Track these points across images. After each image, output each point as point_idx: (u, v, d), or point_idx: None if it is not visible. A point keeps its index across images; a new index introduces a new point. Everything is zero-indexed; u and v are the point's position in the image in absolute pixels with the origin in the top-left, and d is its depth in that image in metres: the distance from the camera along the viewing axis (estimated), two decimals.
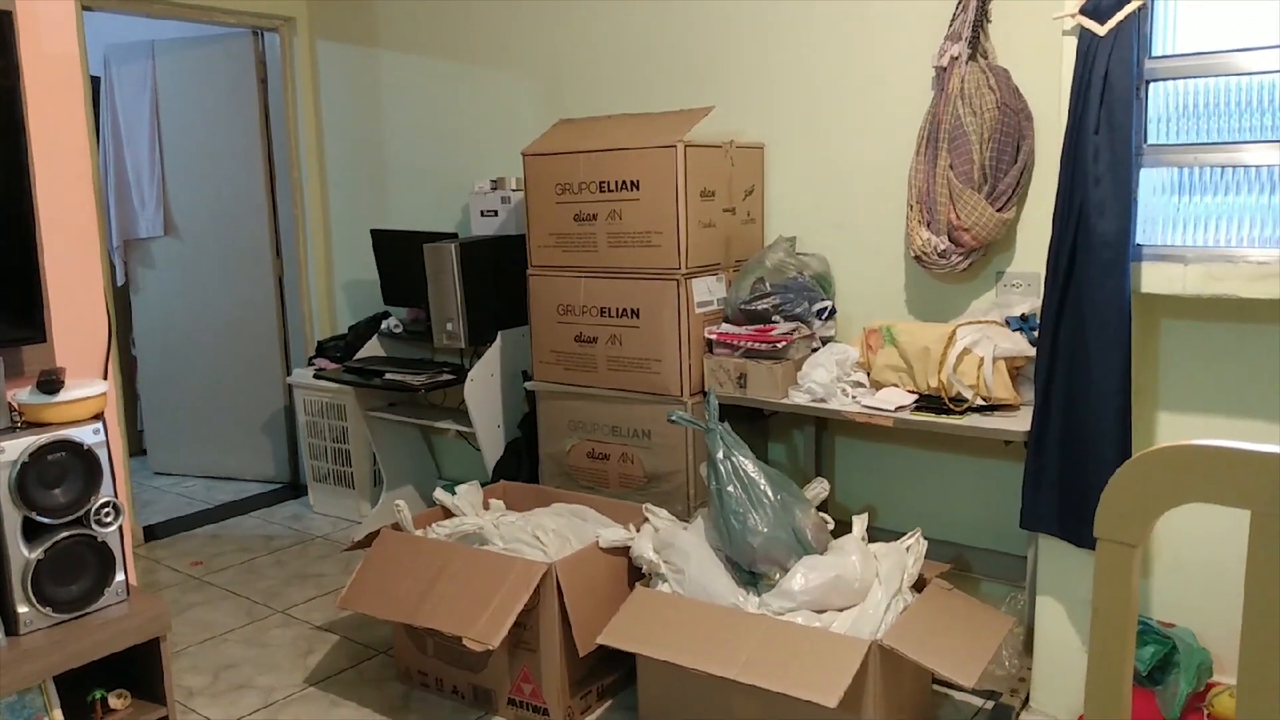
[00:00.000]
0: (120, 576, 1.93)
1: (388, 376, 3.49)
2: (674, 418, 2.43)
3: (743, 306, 2.75)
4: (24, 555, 1.79)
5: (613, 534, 2.48)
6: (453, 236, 3.48)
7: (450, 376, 3.47)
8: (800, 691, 1.92)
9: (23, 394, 1.87)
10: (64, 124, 2.14)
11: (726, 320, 2.80)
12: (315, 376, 3.78)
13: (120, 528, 1.92)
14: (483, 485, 2.97)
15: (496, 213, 3.52)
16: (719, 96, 3.05)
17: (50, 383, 1.85)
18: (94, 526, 1.88)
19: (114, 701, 1.94)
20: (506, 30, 3.55)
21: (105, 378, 2.17)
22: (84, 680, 1.92)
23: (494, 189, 3.53)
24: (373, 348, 3.86)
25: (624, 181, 2.77)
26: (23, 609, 1.80)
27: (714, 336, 2.74)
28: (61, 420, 1.86)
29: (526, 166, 2.96)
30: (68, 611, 1.86)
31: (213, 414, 4.46)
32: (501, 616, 2.25)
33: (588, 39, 3.34)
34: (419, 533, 2.68)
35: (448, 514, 2.81)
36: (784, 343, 2.63)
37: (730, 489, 2.26)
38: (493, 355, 3.38)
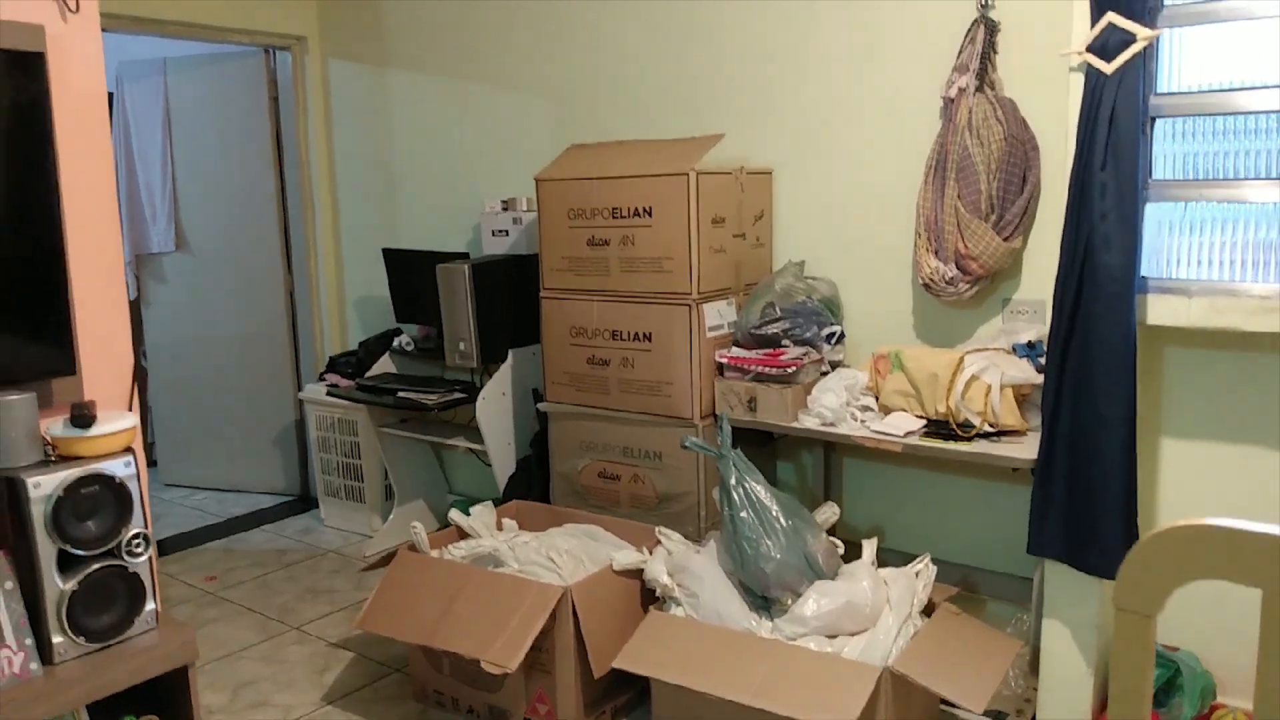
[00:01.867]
0: (150, 606, 1.97)
1: (401, 395, 3.54)
2: (688, 444, 2.47)
3: (753, 331, 2.79)
4: (58, 586, 1.84)
5: (626, 557, 2.52)
6: (464, 256, 3.53)
7: (462, 395, 3.51)
8: (813, 716, 1.97)
9: (56, 428, 1.92)
10: (91, 160, 2.18)
11: (737, 344, 2.85)
12: (328, 393, 3.82)
13: (150, 558, 1.97)
14: (494, 502, 3.01)
15: (508, 232, 3.57)
16: (728, 122, 3.10)
17: (83, 417, 1.89)
18: (125, 557, 1.93)
19: None
20: (517, 53, 3.60)
21: (130, 409, 2.21)
22: (114, 706, 1.96)
23: (505, 209, 3.58)
24: (384, 364, 3.91)
25: (636, 208, 2.81)
26: (57, 639, 1.85)
27: (724, 360, 2.79)
28: (94, 454, 1.90)
29: (540, 191, 3.01)
30: (100, 640, 1.90)
31: (223, 427, 4.50)
32: (519, 639, 2.29)
33: (598, 62, 3.39)
34: (435, 553, 2.72)
35: (463, 534, 2.85)
36: (794, 367, 2.68)
37: (743, 515, 2.31)
38: (504, 374, 3.43)
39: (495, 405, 3.40)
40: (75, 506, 1.84)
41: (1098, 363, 2.16)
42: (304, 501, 4.41)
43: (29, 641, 1.82)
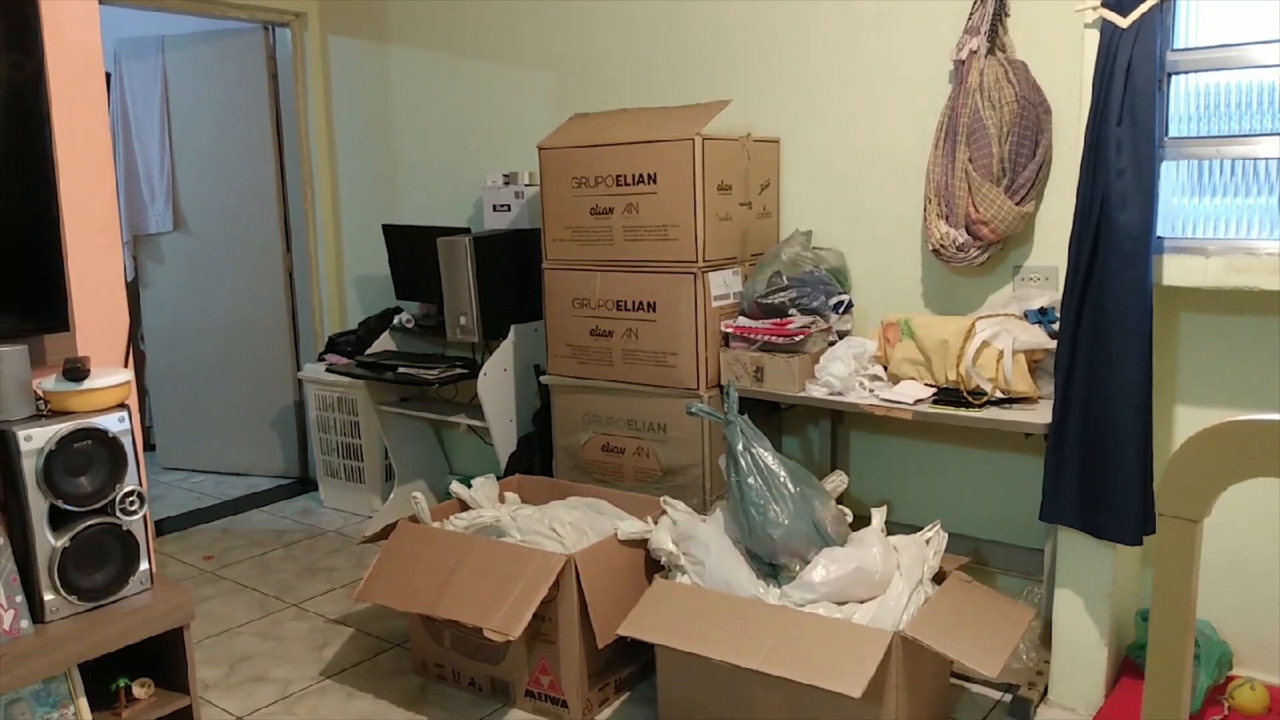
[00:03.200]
0: (144, 565, 1.93)
1: (400, 371, 3.49)
2: (694, 410, 2.43)
3: (759, 300, 2.75)
4: (50, 543, 1.79)
5: (631, 526, 2.48)
6: (465, 231, 3.49)
7: (463, 371, 3.47)
8: (824, 682, 1.92)
9: (48, 382, 1.87)
10: (86, 116, 2.14)
11: (743, 314, 2.80)
12: (327, 371, 3.78)
13: (144, 517, 1.92)
14: (488, 476, 2.96)
15: (509, 207, 3.52)
16: (733, 90, 3.05)
17: (76, 370, 1.84)
18: (119, 515, 1.88)
19: (137, 690, 1.93)
20: (517, 25, 3.55)
21: (125, 367, 2.17)
22: (108, 668, 1.91)
23: (507, 183, 3.53)
24: (384, 342, 3.86)
25: (641, 175, 2.77)
26: (49, 596, 1.80)
27: (730, 330, 2.74)
28: (87, 409, 1.86)
29: (542, 160, 2.96)
30: (93, 600, 1.85)
31: (222, 409, 4.46)
32: (521, 608, 2.24)
33: (599, 33, 3.34)
34: (436, 525, 2.68)
35: (464, 507, 2.81)
36: (801, 336, 2.63)
37: (751, 481, 2.26)
38: (505, 349, 3.38)
39: (497, 381, 3.36)
40: (67, 461, 1.80)
41: (1113, 323, 2.12)
42: (303, 483, 4.36)
43: (19, 599, 1.77)
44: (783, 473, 2.29)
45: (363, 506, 3.98)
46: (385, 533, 2.67)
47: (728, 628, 2.11)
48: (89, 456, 1.83)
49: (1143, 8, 2.07)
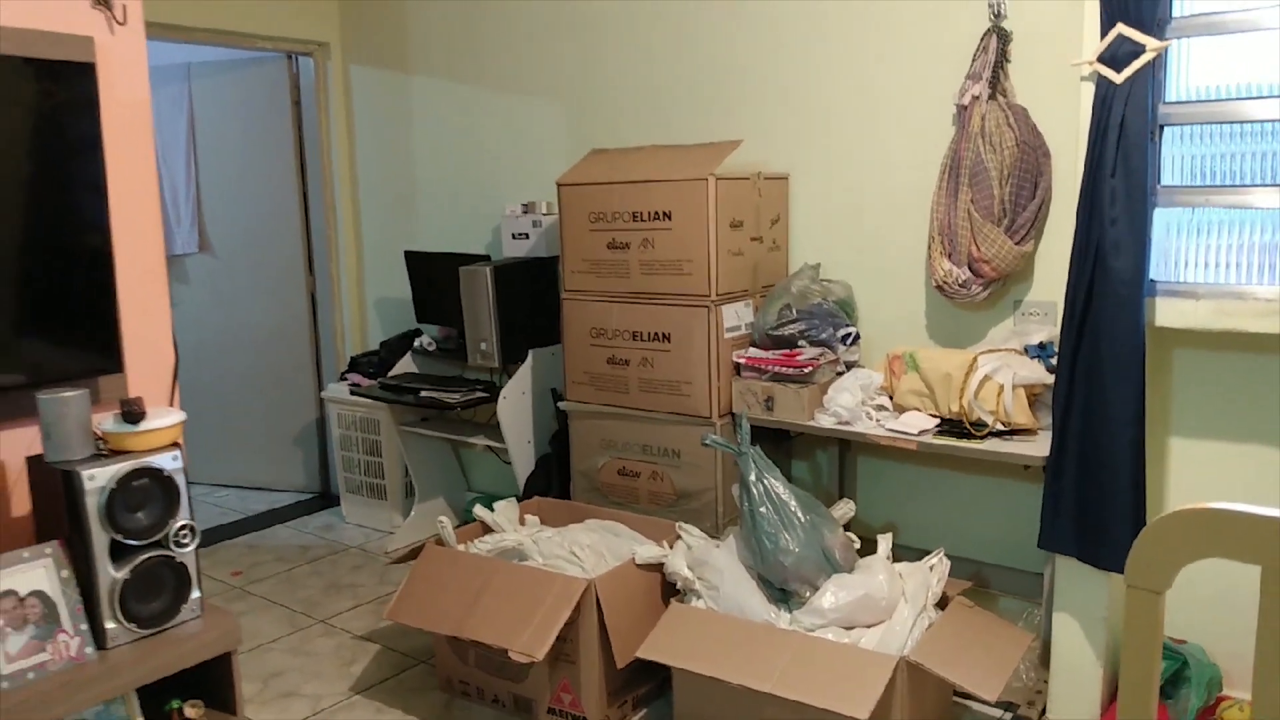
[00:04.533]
0: (196, 594, 2.06)
1: (424, 394, 3.62)
2: (708, 441, 2.55)
3: (770, 332, 2.87)
4: (111, 575, 1.92)
5: (648, 551, 2.60)
6: (484, 258, 3.61)
7: (484, 394, 3.59)
8: (832, 704, 2.04)
9: (107, 423, 2.00)
10: (136, 165, 2.27)
11: (754, 345, 2.92)
12: (352, 392, 3.90)
13: (195, 548, 2.05)
14: (509, 499, 3.09)
15: (528, 235, 3.65)
16: (744, 127, 3.17)
17: (133, 413, 1.97)
18: (173, 547, 2.01)
19: (189, 711, 2.06)
20: (535, 59, 3.68)
21: (171, 405, 2.29)
22: (161, 691, 2.04)
23: (525, 212, 3.66)
24: (405, 364, 3.99)
25: (657, 212, 2.89)
26: (110, 625, 1.93)
27: (742, 360, 2.86)
28: (143, 448, 1.99)
29: (561, 195, 3.09)
30: (150, 627, 1.98)
31: (245, 425, 4.59)
32: (545, 630, 2.37)
33: (615, 69, 3.47)
34: (461, 548, 2.80)
35: (486, 529, 2.93)
36: (810, 368, 2.75)
37: (763, 510, 2.38)
38: (524, 373, 3.51)
39: (516, 404, 3.48)
40: (127, 498, 1.93)
41: (1108, 363, 2.23)
42: (324, 498, 4.50)
43: (84, 627, 1.90)
44: (793, 502, 2.40)
45: (384, 522, 4.11)
46: (413, 554, 2.79)
47: (742, 651, 2.23)
48: (146, 494, 1.96)
49: (1136, 64, 2.19)
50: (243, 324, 4.52)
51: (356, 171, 4.38)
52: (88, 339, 2.09)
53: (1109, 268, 2.23)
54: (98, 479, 1.89)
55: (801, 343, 2.83)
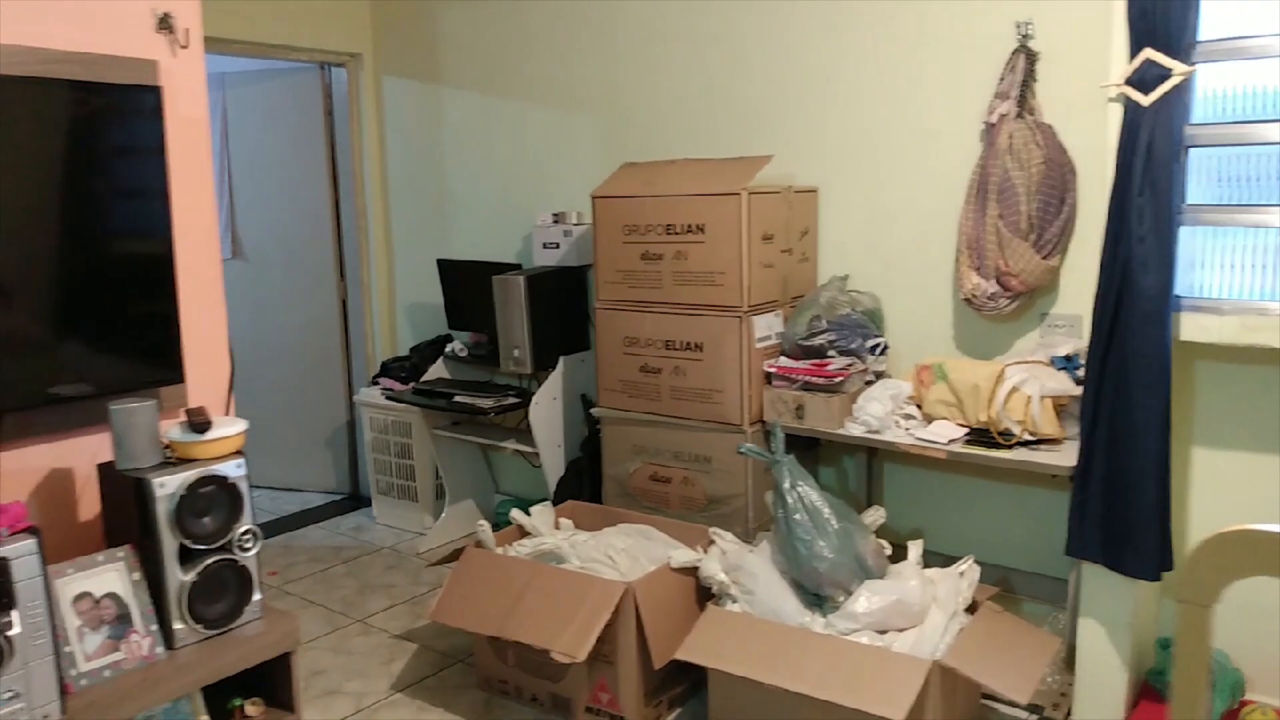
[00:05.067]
0: (258, 596, 2.14)
1: (458, 399, 3.70)
2: (743, 450, 2.63)
3: (800, 342, 2.94)
4: (179, 578, 2.01)
5: (683, 555, 2.68)
6: (515, 267, 3.69)
7: (516, 400, 3.67)
8: (868, 705, 2.12)
9: (175, 432, 2.09)
10: (195, 180, 2.35)
11: (784, 354, 3.00)
12: (387, 397, 3.99)
13: (257, 552, 2.14)
14: (545, 503, 3.17)
15: (558, 245, 3.73)
16: (774, 141, 3.25)
17: (200, 423, 2.06)
18: (236, 551, 2.10)
19: (250, 709, 2.15)
20: (568, 71, 3.76)
21: (227, 414, 2.38)
22: (223, 689, 2.13)
23: (556, 222, 3.74)
24: (437, 370, 4.08)
25: (690, 225, 2.97)
26: (178, 626, 2.02)
27: (773, 370, 2.94)
28: (209, 456, 2.07)
29: (596, 208, 3.16)
30: (215, 628, 2.07)
31: (277, 428, 4.68)
32: (586, 631, 2.45)
33: (647, 82, 3.54)
34: (498, 550, 2.88)
35: (523, 533, 3.01)
36: (840, 377, 2.83)
37: (797, 517, 2.46)
38: (555, 380, 3.59)
39: (547, 410, 3.56)
40: (194, 505, 2.01)
41: (1134, 376, 2.30)
42: (354, 500, 4.59)
43: (154, 628, 1.99)
44: (826, 509, 2.48)
45: (414, 524, 4.20)
46: (452, 556, 2.88)
47: (778, 653, 2.31)
48: (212, 499, 2.04)
49: (1163, 88, 2.26)
50: (275, 329, 4.62)
51: (388, 180, 4.47)
52: (151, 350, 2.18)
53: (1137, 284, 2.30)
54: (168, 486, 1.98)
55: (831, 353, 2.90)
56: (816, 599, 2.47)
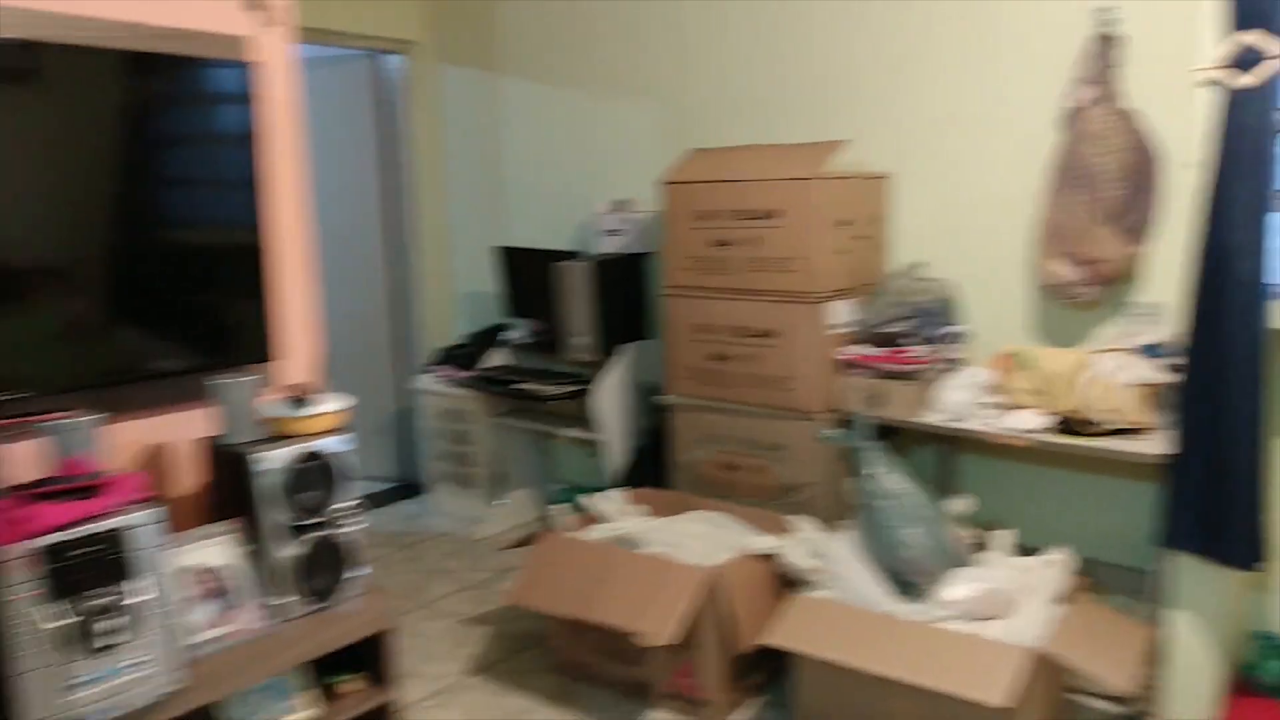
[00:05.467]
0: (360, 571, 2.16)
1: (520, 386, 3.71)
2: (826, 436, 2.62)
3: (876, 329, 2.93)
4: (285, 552, 2.02)
5: (763, 541, 2.67)
6: (574, 255, 3.69)
7: (580, 388, 3.68)
8: (966, 691, 2.11)
9: (277, 407, 2.10)
10: (289, 159, 2.36)
11: (860, 342, 2.99)
12: (448, 384, 4.00)
13: (360, 527, 2.15)
14: (614, 489, 3.17)
15: (619, 232, 3.73)
16: (846, 127, 3.23)
17: (301, 399, 2.07)
18: (339, 527, 2.11)
19: (348, 685, 2.16)
20: (628, 57, 3.75)
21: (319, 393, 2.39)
22: (324, 664, 2.14)
23: (616, 209, 3.74)
24: (496, 357, 4.08)
25: (762, 210, 2.96)
26: (285, 600, 2.03)
27: (848, 358, 2.93)
28: (311, 432, 2.08)
29: (666, 193, 3.16)
30: (320, 602, 2.08)
31: None
32: (669, 615, 2.45)
33: (715, 68, 3.53)
34: (572, 535, 2.89)
35: (592, 519, 3.02)
36: (918, 365, 2.81)
37: (884, 504, 2.45)
38: (618, 367, 3.59)
39: (611, 397, 3.56)
40: (299, 480, 2.03)
41: (1232, 365, 2.28)
42: (410, 487, 4.60)
43: (263, 601, 2.00)
44: (913, 496, 2.47)
45: (473, 510, 4.20)
46: (522, 541, 2.88)
47: (868, 640, 2.30)
48: (316, 475, 2.06)
49: (1261, 70, 2.23)
50: (330, 317, 4.60)
51: (443, 168, 4.47)
52: (250, 330, 2.19)
53: (1231, 271, 2.28)
54: (274, 461, 1.99)
55: (907, 340, 2.89)
56: (904, 587, 2.46)
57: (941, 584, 2.39)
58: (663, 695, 2.65)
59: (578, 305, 3.57)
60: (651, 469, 3.50)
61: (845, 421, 2.76)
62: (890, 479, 2.48)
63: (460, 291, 4.53)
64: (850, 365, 2.93)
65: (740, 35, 3.45)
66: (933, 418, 2.77)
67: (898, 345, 2.89)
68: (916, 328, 2.89)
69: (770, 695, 2.70)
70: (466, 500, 4.23)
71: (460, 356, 4.10)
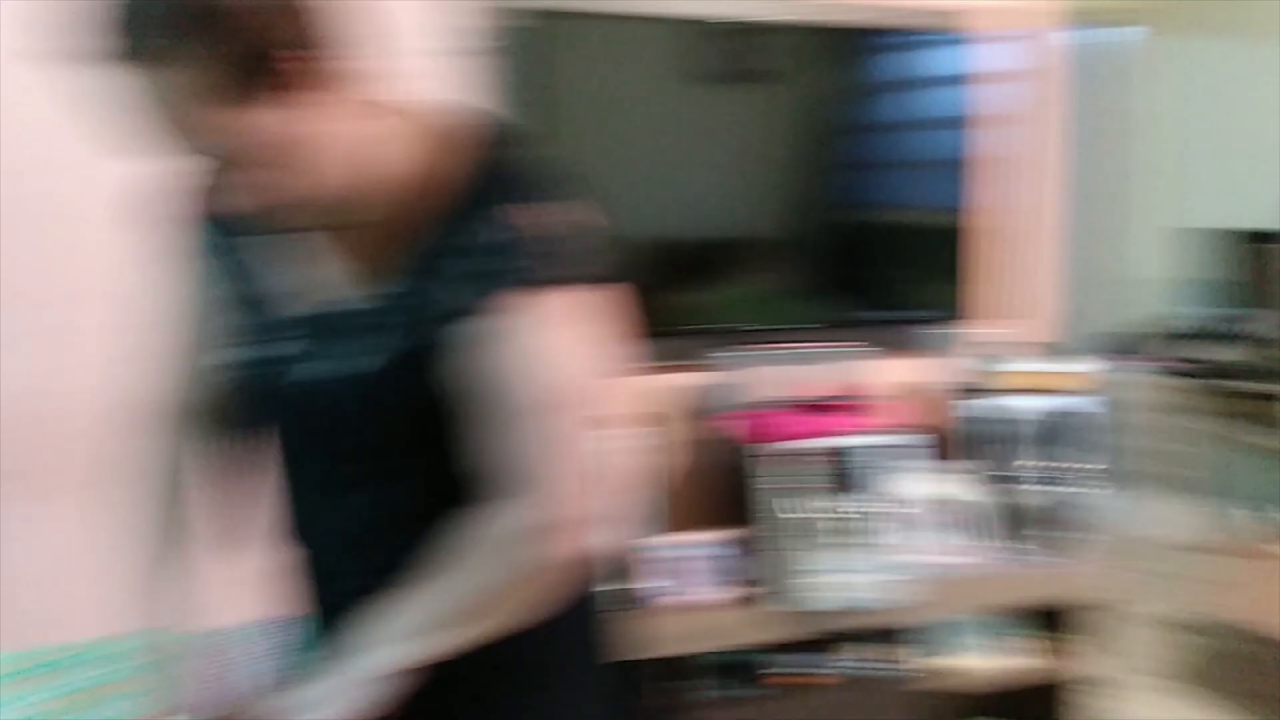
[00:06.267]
0: (1098, 537, 2.15)
1: (1259, 387, 3.27)
2: None
3: None
4: (1027, 500, 2.14)
5: None
6: None
7: None
8: None
9: (1031, 362, 2.18)
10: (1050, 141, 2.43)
11: None
12: (1160, 374, 3.71)
13: (1107, 495, 2.15)
14: None
15: None
16: None
17: (1055, 355, 2.13)
18: (1082, 487, 2.12)
19: (1047, 645, 2.18)
20: None
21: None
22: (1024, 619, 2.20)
23: None
24: (1216, 350, 3.65)
25: None
26: (1020, 545, 2.13)
27: None
28: (1062, 388, 2.14)
29: None
30: (1053, 556, 2.14)
31: None
32: None
33: None
34: None
35: None
36: None
37: None
38: None
39: None
40: (1052, 432, 2.10)
41: None
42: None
43: (996, 542, 2.13)
44: None
45: (1166, 512, 3.83)
46: (1218, 550, 2.56)
47: None
48: (1064, 430, 2.12)
49: None
50: None
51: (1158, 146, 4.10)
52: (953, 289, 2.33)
53: None
54: (1031, 413, 2.09)
55: None
56: None
57: None
58: None
59: None
60: None
61: None
62: None
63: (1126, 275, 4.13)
64: None
65: None
66: None
67: None
68: None
69: None
70: (1155, 501, 3.86)
71: (1159, 345, 3.76)
